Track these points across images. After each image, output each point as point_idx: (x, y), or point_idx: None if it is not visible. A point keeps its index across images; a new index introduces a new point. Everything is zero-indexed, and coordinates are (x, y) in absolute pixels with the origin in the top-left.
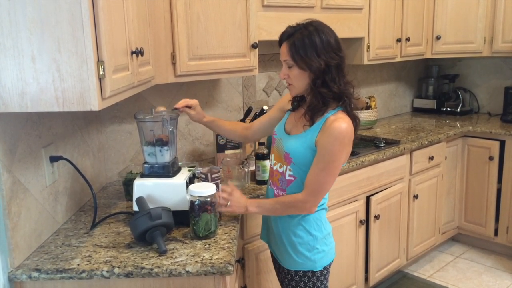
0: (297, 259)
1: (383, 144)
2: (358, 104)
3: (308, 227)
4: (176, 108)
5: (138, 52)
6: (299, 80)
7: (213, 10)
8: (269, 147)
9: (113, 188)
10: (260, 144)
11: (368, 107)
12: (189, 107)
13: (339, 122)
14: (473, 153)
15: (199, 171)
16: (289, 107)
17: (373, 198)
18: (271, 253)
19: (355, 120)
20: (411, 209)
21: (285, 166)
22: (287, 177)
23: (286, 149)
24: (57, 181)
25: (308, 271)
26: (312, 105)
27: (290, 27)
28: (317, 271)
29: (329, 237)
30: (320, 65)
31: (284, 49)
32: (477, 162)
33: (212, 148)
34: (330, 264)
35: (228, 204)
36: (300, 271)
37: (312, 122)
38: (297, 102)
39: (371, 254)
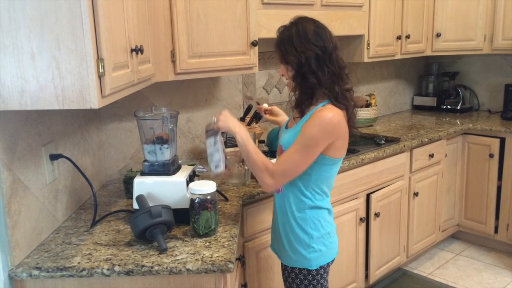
0: (292, 255)
1: (383, 142)
2: (357, 101)
3: (304, 225)
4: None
5: (138, 50)
6: (287, 75)
7: (213, 8)
8: (269, 145)
9: (113, 186)
10: (260, 142)
11: (368, 105)
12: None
13: (325, 111)
14: (473, 150)
15: (200, 169)
16: None
17: (373, 196)
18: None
19: (347, 110)
20: (411, 207)
21: None
22: None
23: (281, 142)
24: (57, 179)
25: (304, 269)
26: (297, 97)
27: (278, 28)
28: (313, 270)
29: (328, 237)
30: (296, 58)
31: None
32: (477, 160)
33: None
34: (328, 264)
35: (214, 119)
36: (296, 268)
37: (302, 114)
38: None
39: (371, 252)
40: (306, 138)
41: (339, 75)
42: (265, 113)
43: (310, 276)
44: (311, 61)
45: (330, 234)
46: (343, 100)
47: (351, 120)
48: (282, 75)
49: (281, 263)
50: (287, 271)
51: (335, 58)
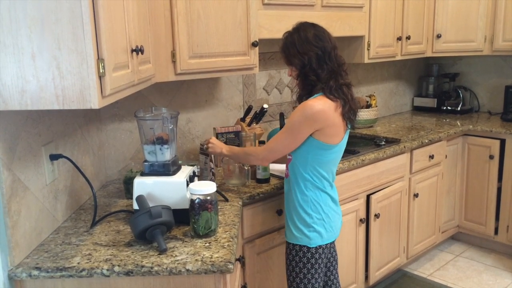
0: (295, 233)
1: (383, 143)
2: (359, 100)
3: (305, 206)
4: None
5: (138, 50)
6: (293, 75)
7: (213, 8)
8: None
9: (113, 187)
10: (260, 142)
11: (368, 106)
12: None
13: (309, 101)
14: (473, 151)
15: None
16: None
17: (373, 197)
18: None
19: (343, 103)
20: (411, 208)
21: None
22: (288, 157)
23: None
24: (57, 179)
25: (304, 246)
26: (299, 93)
27: (283, 34)
28: (312, 248)
29: (329, 220)
30: (299, 60)
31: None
32: (477, 161)
33: None
34: (326, 245)
35: (205, 146)
36: (297, 245)
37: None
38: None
39: (371, 253)
40: (290, 122)
41: (337, 72)
42: None
43: (309, 253)
44: (312, 61)
45: (331, 218)
46: (338, 93)
47: (347, 112)
48: (290, 75)
49: (286, 242)
50: (289, 248)
51: (334, 56)
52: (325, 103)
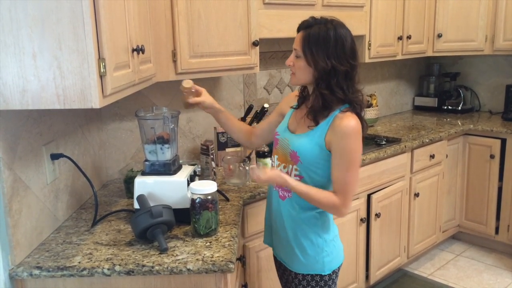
0: (305, 262)
1: (384, 142)
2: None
3: (316, 229)
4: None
5: (139, 50)
6: (302, 73)
7: (214, 8)
8: (270, 146)
9: (114, 186)
10: None
11: (369, 105)
12: (198, 95)
13: (348, 120)
14: (474, 151)
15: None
16: (288, 110)
17: (374, 196)
18: (274, 257)
19: (363, 123)
20: (412, 207)
21: (290, 166)
22: (292, 177)
23: (293, 147)
24: (58, 178)
25: (316, 275)
26: (313, 106)
27: (312, 17)
28: (325, 275)
29: (337, 239)
30: (326, 66)
31: (298, 37)
32: (478, 160)
33: (213, 146)
34: (339, 268)
35: (255, 174)
36: (308, 275)
37: (316, 122)
38: (303, 98)
39: (372, 252)
40: (349, 154)
41: (360, 93)
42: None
43: (322, 282)
44: (339, 75)
45: (337, 236)
46: (361, 111)
47: (363, 132)
48: (289, 65)
49: (289, 272)
50: (297, 279)
51: (355, 77)
52: (357, 118)
